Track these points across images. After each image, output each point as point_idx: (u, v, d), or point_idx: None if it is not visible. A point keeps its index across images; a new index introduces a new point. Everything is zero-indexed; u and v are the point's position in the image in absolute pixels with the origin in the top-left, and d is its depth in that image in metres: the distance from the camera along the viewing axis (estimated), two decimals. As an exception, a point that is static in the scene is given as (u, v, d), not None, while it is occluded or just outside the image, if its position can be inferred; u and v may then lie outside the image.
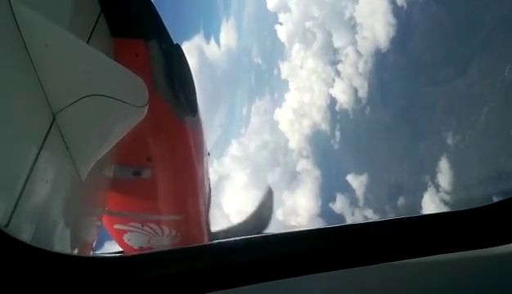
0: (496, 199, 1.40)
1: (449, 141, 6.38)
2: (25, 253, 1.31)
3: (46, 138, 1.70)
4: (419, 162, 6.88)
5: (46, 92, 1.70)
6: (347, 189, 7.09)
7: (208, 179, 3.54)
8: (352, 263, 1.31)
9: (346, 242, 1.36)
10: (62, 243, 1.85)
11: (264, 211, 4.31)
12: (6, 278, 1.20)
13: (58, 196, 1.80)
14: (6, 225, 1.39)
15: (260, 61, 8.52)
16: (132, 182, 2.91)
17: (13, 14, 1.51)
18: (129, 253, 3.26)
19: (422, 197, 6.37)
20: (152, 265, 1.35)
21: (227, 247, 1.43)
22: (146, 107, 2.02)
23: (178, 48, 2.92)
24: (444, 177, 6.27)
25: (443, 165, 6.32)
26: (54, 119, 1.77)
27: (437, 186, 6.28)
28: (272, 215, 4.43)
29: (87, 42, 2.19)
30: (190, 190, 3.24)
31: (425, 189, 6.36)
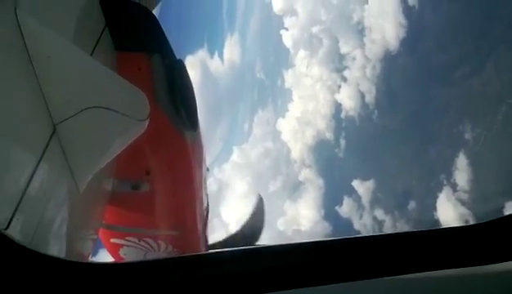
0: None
1: (467, 136, 6.20)
2: (23, 256, 1.30)
3: (45, 149, 1.69)
4: (432, 164, 6.70)
5: (47, 103, 1.70)
6: (352, 194, 6.94)
7: (207, 194, 3.52)
8: (353, 276, 1.30)
9: (347, 255, 1.35)
10: (57, 254, 1.82)
11: (256, 221, 4.25)
12: (3, 280, 1.19)
13: (55, 207, 1.78)
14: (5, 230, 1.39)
15: (263, 77, 8.52)
16: (130, 196, 2.89)
17: (18, 24, 1.52)
18: (127, 261, 3.22)
19: (437, 197, 6.21)
20: (150, 273, 1.33)
21: (225, 257, 1.42)
22: (147, 121, 2.01)
23: (181, 63, 2.94)
24: (462, 175, 6.11)
25: (461, 162, 6.16)
26: (54, 130, 1.76)
27: (453, 185, 6.13)
28: (264, 223, 4.35)
29: (91, 55, 2.20)
30: (187, 205, 3.21)
31: (440, 190, 6.19)
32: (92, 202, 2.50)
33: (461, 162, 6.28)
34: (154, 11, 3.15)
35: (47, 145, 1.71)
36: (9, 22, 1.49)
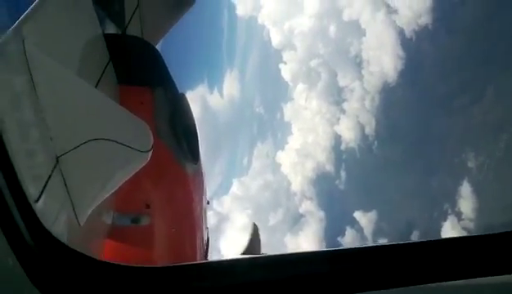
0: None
1: (470, 164, 6.16)
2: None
3: (47, 182, 1.68)
4: (435, 193, 6.61)
5: (51, 135, 1.70)
6: (354, 225, 6.81)
7: (207, 228, 3.47)
8: (361, 287, 1.26)
9: (356, 266, 1.32)
10: None
11: (253, 252, 4.19)
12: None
13: None
14: None
15: (262, 111, 8.56)
16: (129, 230, 2.84)
17: (25, 56, 1.53)
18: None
19: (441, 226, 6.11)
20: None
21: (229, 267, 1.38)
22: (150, 152, 2.01)
23: (183, 97, 2.98)
24: (466, 203, 6.04)
25: (465, 191, 6.09)
26: (57, 162, 1.75)
27: (458, 214, 6.04)
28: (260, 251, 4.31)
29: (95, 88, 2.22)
30: (188, 239, 3.16)
31: (445, 219, 6.10)
32: (92, 236, 2.45)
33: (465, 190, 6.25)
34: (157, 47, 3.21)
35: (49, 178, 1.70)
36: (16, 51, 1.51)
